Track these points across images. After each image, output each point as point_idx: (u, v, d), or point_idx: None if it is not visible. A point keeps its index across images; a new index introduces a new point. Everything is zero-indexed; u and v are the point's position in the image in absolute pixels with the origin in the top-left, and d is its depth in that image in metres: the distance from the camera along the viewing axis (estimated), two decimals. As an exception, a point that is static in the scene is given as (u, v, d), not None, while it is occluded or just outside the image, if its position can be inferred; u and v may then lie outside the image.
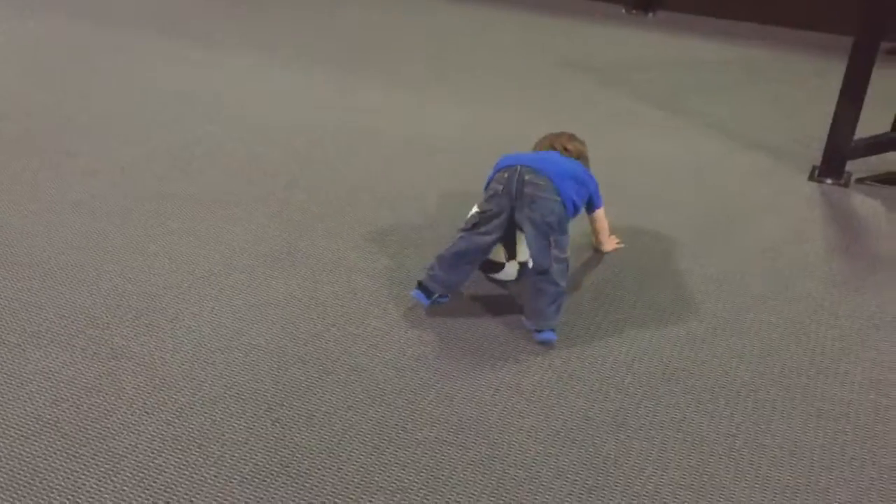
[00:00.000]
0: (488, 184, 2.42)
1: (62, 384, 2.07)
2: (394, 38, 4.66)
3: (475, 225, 2.34)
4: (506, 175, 2.35)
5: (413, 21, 4.93)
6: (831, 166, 3.15)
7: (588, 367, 2.19)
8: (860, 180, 3.17)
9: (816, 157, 3.26)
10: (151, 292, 2.42)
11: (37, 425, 1.94)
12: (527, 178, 2.32)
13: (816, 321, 2.39)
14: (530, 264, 2.30)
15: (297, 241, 2.69)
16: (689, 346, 2.27)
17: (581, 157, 2.62)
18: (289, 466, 1.86)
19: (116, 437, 1.91)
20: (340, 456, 1.89)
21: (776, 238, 2.80)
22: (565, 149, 2.60)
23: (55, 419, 1.96)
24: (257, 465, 1.86)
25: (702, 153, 3.41)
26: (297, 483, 1.82)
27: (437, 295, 2.37)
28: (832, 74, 4.22)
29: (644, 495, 1.82)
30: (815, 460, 1.92)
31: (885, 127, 3.19)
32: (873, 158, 3.22)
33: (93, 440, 1.91)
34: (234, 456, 1.88)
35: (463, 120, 3.64)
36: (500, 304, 2.42)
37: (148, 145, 3.30)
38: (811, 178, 3.19)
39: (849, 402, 2.09)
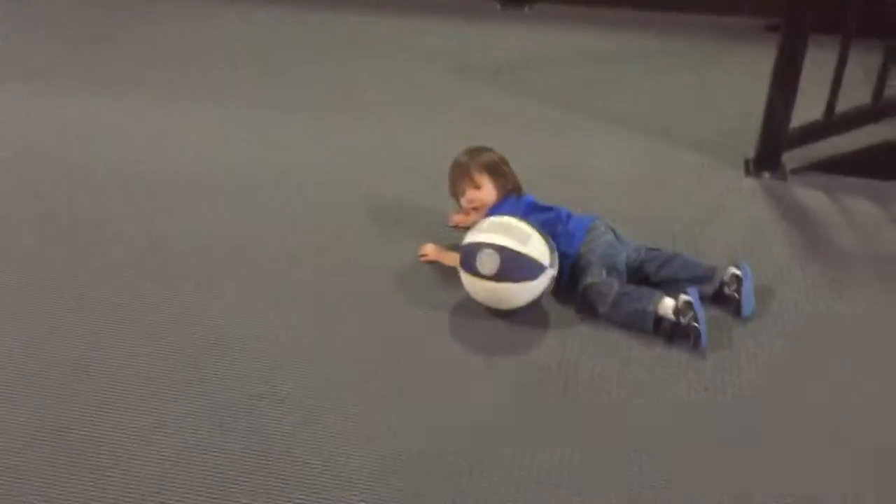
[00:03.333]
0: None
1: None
2: (258, 55, 4.23)
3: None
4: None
5: (274, 36, 4.51)
6: (767, 159, 3.04)
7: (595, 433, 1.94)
8: (795, 171, 3.07)
9: (743, 148, 3.15)
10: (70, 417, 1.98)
11: None
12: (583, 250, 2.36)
13: (816, 336, 2.24)
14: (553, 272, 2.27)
15: (236, 327, 2.30)
16: (696, 394, 2.07)
17: (493, 167, 2.52)
18: None
19: None
20: None
21: (736, 245, 2.64)
22: (487, 168, 2.53)
23: None
24: None
25: (627, 157, 3.22)
26: None
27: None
28: (724, 58, 4.20)
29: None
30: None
31: (811, 111, 3.09)
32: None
33: None
34: None
35: (370, 146, 3.30)
36: (503, 378, 2.13)
37: (41, 219, 2.79)
38: (748, 172, 3.07)
39: (882, 435, 1.94)
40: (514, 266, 2.19)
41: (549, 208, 2.48)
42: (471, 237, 2.28)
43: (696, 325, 2.15)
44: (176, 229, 2.71)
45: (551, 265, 2.25)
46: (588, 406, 2.01)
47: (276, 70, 4.03)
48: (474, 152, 2.58)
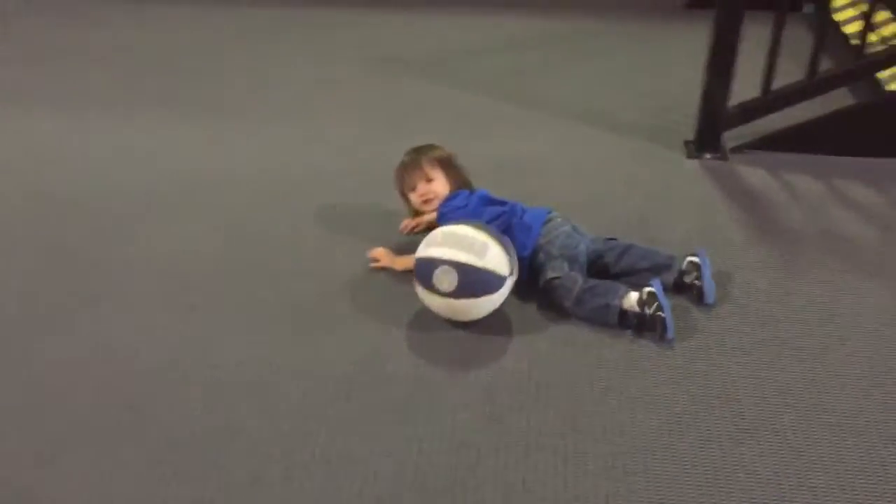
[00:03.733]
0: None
1: None
2: (165, 58, 4.05)
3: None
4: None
5: (179, 35, 4.33)
6: (707, 140, 3.03)
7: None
8: (734, 149, 3.07)
9: (680, 129, 3.13)
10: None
11: None
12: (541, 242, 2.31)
13: (778, 317, 2.22)
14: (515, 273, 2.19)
15: (191, 355, 2.16)
16: (668, 388, 2.03)
17: (444, 161, 2.49)
18: None
19: None
20: None
21: (687, 229, 2.61)
22: (439, 161, 2.48)
23: None
24: None
25: (567, 146, 3.17)
26: None
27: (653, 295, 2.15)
28: (649, 38, 4.20)
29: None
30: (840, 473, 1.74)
31: (745, 88, 3.08)
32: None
33: None
34: None
35: (303, 151, 3.18)
36: (473, 390, 2.05)
37: (12, 246, 2.59)
38: (689, 154, 3.05)
39: (858, 412, 1.93)
40: (473, 282, 2.09)
41: (503, 202, 2.40)
42: (425, 250, 2.16)
43: (661, 314, 2.11)
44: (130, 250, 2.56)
45: (511, 273, 2.17)
46: (564, 410, 1.94)
47: (170, 74, 3.86)
48: (423, 148, 2.52)
